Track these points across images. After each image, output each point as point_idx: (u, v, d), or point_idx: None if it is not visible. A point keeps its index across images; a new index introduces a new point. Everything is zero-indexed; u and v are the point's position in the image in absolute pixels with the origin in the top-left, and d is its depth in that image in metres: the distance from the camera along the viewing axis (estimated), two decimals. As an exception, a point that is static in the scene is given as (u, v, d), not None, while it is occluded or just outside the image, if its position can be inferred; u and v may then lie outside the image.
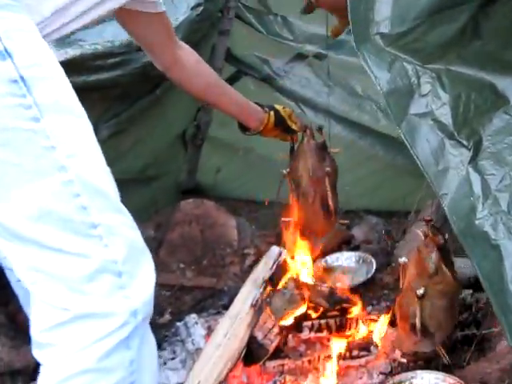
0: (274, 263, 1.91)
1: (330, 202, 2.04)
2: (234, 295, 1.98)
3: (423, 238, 1.67)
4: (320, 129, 2.24)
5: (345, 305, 2.03)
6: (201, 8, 2.58)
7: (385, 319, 1.99)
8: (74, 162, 1.13)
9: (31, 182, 1.11)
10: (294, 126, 2.13)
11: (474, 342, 1.88)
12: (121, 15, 1.62)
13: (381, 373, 1.85)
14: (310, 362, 1.88)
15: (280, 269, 1.91)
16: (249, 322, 1.83)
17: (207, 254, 2.57)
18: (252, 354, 1.86)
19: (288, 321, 1.94)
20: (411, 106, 1.15)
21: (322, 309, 2.01)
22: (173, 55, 1.82)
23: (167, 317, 2.30)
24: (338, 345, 1.92)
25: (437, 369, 1.79)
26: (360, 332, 1.99)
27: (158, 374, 1.30)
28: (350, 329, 1.99)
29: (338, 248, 2.50)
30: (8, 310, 1.97)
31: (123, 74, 2.25)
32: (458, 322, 1.91)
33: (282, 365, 1.88)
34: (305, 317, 1.99)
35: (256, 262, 2.35)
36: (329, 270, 2.38)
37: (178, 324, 2.15)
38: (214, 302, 2.33)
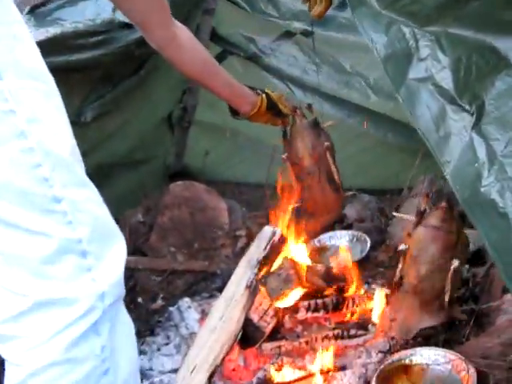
0: (268, 243, 1.87)
1: (336, 176, 2.02)
2: (227, 278, 1.94)
3: (420, 212, 1.63)
4: (309, 106, 2.21)
5: (341, 284, 1.99)
6: (184, -14, 2.52)
7: (382, 297, 1.96)
8: (35, 129, 1.03)
9: None
10: (285, 110, 2.07)
11: (472, 318, 1.86)
12: None
13: (379, 351, 1.81)
14: (307, 342, 1.85)
15: (274, 249, 1.87)
16: (244, 304, 1.80)
17: (198, 237, 2.53)
18: (248, 336, 1.83)
19: (284, 301, 1.90)
20: (410, 71, 1.10)
21: (318, 288, 1.97)
22: (169, 33, 1.76)
23: (159, 302, 2.26)
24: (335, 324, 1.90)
25: (436, 345, 1.76)
26: (357, 311, 1.96)
27: (137, 356, 1.23)
28: (347, 308, 1.96)
29: (331, 227, 2.47)
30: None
31: (106, 54, 2.20)
32: (456, 298, 1.88)
33: (279, 346, 1.85)
34: (301, 297, 1.95)
35: (248, 243, 2.32)
36: (322, 249, 2.34)
37: (171, 309, 2.13)
38: (207, 285, 2.30)
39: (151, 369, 1.89)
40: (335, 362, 1.78)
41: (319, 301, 1.96)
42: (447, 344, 1.78)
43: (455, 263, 1.63)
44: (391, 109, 2.75)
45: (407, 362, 1.74)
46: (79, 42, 2.09)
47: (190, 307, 2.09)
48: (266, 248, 1.88)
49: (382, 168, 2.88)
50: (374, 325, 1.91)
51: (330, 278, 2.00)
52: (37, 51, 1.11)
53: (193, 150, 3.19)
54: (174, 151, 3.15)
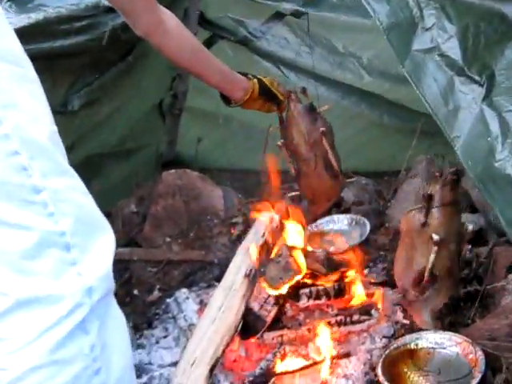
0: (266, 229, 1.82)
1: (333, 162, 1.96)
2: (225, 267, 1.91)
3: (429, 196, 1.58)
4: (304, 90, 2.15)
5: (342, 269, 1.95)
6: (170, -31, 2.45)
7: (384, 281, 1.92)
8: (10, 114, 0.96)
9: None
10: (279, 95, 2.02)
11: (477, 299, 1.82)
12: None
13: (384, 336, 1.79)
14: (309, 330, 1.81)
15: (273, 235, 1.82)
16: (243, 293, 1.76)
17: (193, 226, 2.49)
18: (249, 326, 1.79)
19: (285, 289, 1.85)
20: (414, 42, 1.04)
21: (319, 275, 1.92)
22: (155, 18, 1.68)
23: (156, 293, 2.22)
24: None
25: (441, 328, 1.73)
26: (359, 296, 1.91)
27: (131, 352, 1.17)
28: (349, 293, 1.92)
29: (328, 211, 2.42)
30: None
31: (91, 39, 2.14)
32: (460, 279, 1.84)
33: (281, 335, 1.81)
34: (302, 284, 1.90)
35: (245, 230, 2.30)
36: (320, 234, 2.30)
37: (169, 300, 2.09)
38: (205, 275, 2.27)
39: (150, 363, 1.85)
40: (339, 349, 1.74)
41: (320, 287, 1.92)
42: (452, 327, 1.75)
43: (435, 237, 1.58)
44: (386, 89, 2.73)
45: (413, 346, 1.71)
46: (63, 28, 2.03)
47: (187, 298, 2.05)
48: (263, 234, 1.83)
49: (378, 150, 2.85)
50: (377, 309, 1.87)
51: (330, 263, 1.95)
52: (12, 34, 1.04)
53: (185, 137, 3.15)
54: (165, 139, 3.12)
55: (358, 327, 1.82)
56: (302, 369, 1.70)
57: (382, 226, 2.37)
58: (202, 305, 1.98)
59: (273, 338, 1.81)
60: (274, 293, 1.84)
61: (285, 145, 2.06)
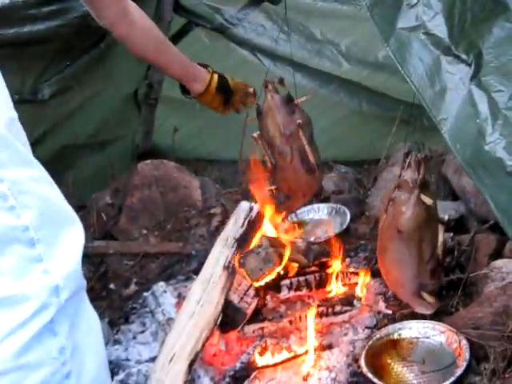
0: (245, 220, 1.78)
1: (310, 156, 1.90)
2: (203, 259, 1.87)
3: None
4: (281, 81, 2.10)
5: (323, 259, 1.91)
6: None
7: (366, 270, 1.89)
8: None
9: None
10: (237, 100, 1.99)
11: (460, 287, 1.80)
12: None
13: (366, 327, 1.78)
14: (291, 322, 1.79)
15: (252, 225, 1.77)
16: (223, 286, 1.73)
17: (170, 218, 2.44)
18: (229, 319, 1.75)
19: (265, 281, 1.81)
20: (399, 19, 0.99)
21: (300, 265, 1.88)
22: (120, 8, 1.65)
23: (133, 287, 2.17)
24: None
25: (424, 318, 1.71)
26: (341, 286, 1.88)
27: (105, 352, 1.11)
28: (330, 284, 1.88)
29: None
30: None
31: (62, 25, 2.09)
32: (442, 267, 1.82)
33: (262, 328, 1.78)
34: (283, 275, 1.86)
35: (223, 221, 2.28)
36: (301, 224, 2.26)
37: (146, 294, 2.05)
38: (182, 267, 2.22)
39: (127, 359, 1.81)
40: (321, 340, 1.71)
41: (301, 278, 1.89)
42: (436, 316, 1.73)
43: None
44: (365, 77, 2.70)
45: (396, 336, 1.70)
46: (30, 13, 1.97)
47: (165, 292, 2.01)
48: (243, 225, 1.78)
49: (358, 138, 2.83)
50: (359, 300, 1.84)
51: (311, 253, 1.92)
52: None
53: (161, 127, 3.10)
54: (141, 130, 3.06)
55: (339, 318, 1.80)
56: (283, 362, 1.67)
57: (363, 214, 2.35)
58: (181, 298, 1.94)
59: (253, 331, 1.78)
60: (255, 285, 1.80)
61: (261, 137, 2.01)
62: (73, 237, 1.01)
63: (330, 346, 1.71)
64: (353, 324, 1.77)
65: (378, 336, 1.68)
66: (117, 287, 2.18)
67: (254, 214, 1.79)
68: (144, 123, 3.07)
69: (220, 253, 1.79)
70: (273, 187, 1.96)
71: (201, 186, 2.51)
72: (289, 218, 2.22)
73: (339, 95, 2.82)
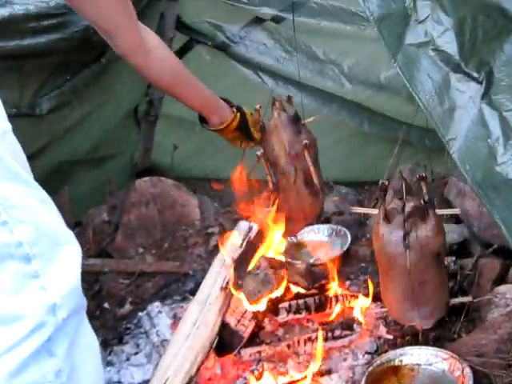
0: (244, 240, 1.74)
1: (315, 178, 1.87)
2: (201, 279, 1.85)
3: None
4: (289, 99, 2.08)
5: (323, 281, 1.87)
6: (144, -28, 2.40)
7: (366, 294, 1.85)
8: None
9: None
10: (255, 135, 1.98)
11: (462, 313, 1.76)
12: None
13: (366, 352, 1.73)
14: (289, 346, 1.74)
15: (251, 246, 1.74)
16: (219, 307, 1.70)
17: (168, 236, 2.42)
18: (225, 342, 1.73)
19: (263, 304, 1.77)
20: (407, 35, 0.97)
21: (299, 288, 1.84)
22: (136, 38, 1.60)
23: (128, 307, 2.14)
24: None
25: (426, 344, 1.67)
26: (341, 310, 1.84)
27: (103, 375, 1.07)
28: (330, 307, 1.84)
29: (309, 222, 2.35)
30: None
31: (62, 38, 2.06)
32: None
33: (259, 352, 1.74)
34: (281, 298, 1.83)
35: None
36: (300, 245, 2.23)
37: (141, 314, 2.03)
38: (179, 287, 2.19)
39: (119, 381, 1.78)
40: (320, 365, 1.66)
41: (300, 301, 1.85)
42: (438, 342, 1.70)
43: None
44: (367, 97, 2.69)
45: (397, 362, 1.66)
46: (31, 26, 1.96)
47: (160, 312, 1.98)
48: (242, 245, 1.75)
49: (359, 159, 2.83)
50: (359, 324, 1.80)
51: (311, 276, 1.88)
52: None
53: (160, 145, 3.10)
54: (141, 147, 3.06)
55: (339, 342, 1.76)
56: (280, 387, 1.62)
57: (364, 236, 2.31)
58: (176, 319, 1.91)
59: (250, 355, 1.74)
60: (252, 308, 1.76)
61: (264, 155, 1.98)
62: (70, 254, 0.98)
63: (329, 372, 1.66)
64: (352, 349, 1.73)
65: (378, 362, 1.64)
66: (111, 306, 2.16)
67: (252, 234, 1.76)
68: (143, 140, 3.07)
69: (217, 273, 1.77)
70: (270, 208, 1.93)
71: (199, 205, 2.50)
72: (288, 239, 2.18)
73: (341, 115, 2.81)
